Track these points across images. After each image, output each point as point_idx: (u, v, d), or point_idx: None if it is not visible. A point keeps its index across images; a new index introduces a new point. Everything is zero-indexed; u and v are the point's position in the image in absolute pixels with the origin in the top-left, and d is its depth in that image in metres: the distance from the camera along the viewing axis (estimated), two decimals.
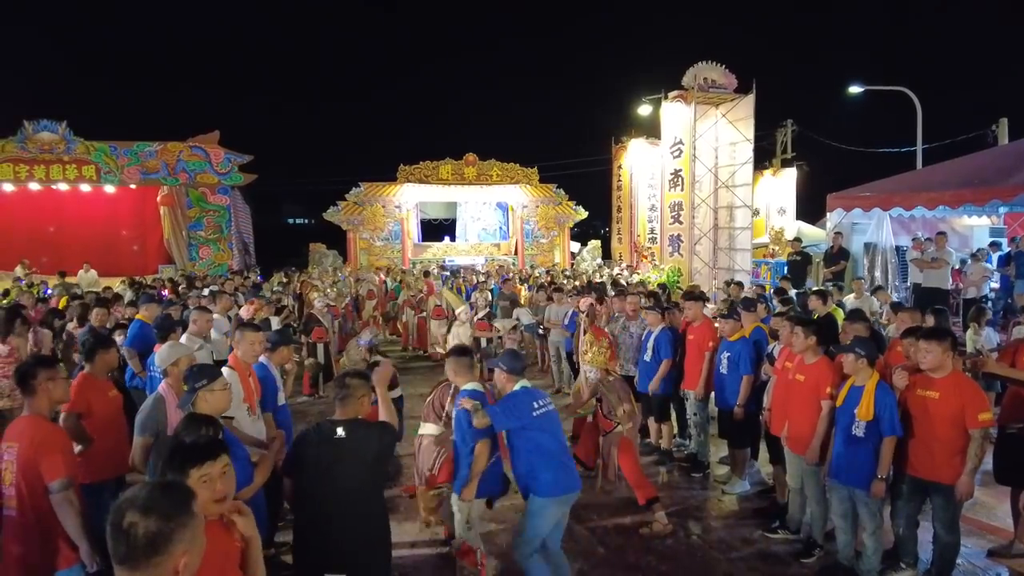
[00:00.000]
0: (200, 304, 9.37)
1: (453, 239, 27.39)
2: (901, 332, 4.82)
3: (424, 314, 12.99)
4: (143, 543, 1.64)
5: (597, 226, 43.47)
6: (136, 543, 1.64)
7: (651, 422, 7.08)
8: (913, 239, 11.65)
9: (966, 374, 4.66)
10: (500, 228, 27.13)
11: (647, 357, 6.80)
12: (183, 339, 5.81)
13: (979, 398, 4.13)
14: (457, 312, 9.11)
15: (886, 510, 4.57)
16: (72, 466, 3.44)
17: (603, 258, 23.92)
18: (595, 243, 24.41)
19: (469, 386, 4.35)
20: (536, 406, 4.09)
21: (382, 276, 17.27)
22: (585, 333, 6.49)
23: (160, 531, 1.67)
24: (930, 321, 6.14)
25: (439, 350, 12.41)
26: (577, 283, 14.07)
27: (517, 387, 4.20)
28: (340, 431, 3.28)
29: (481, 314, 11.30)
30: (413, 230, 25.35)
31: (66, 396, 3.76)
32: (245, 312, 9.00)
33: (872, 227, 12.18)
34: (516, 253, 24.95)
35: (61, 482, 3.25)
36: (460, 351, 4.65)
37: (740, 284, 11.98)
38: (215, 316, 7.63)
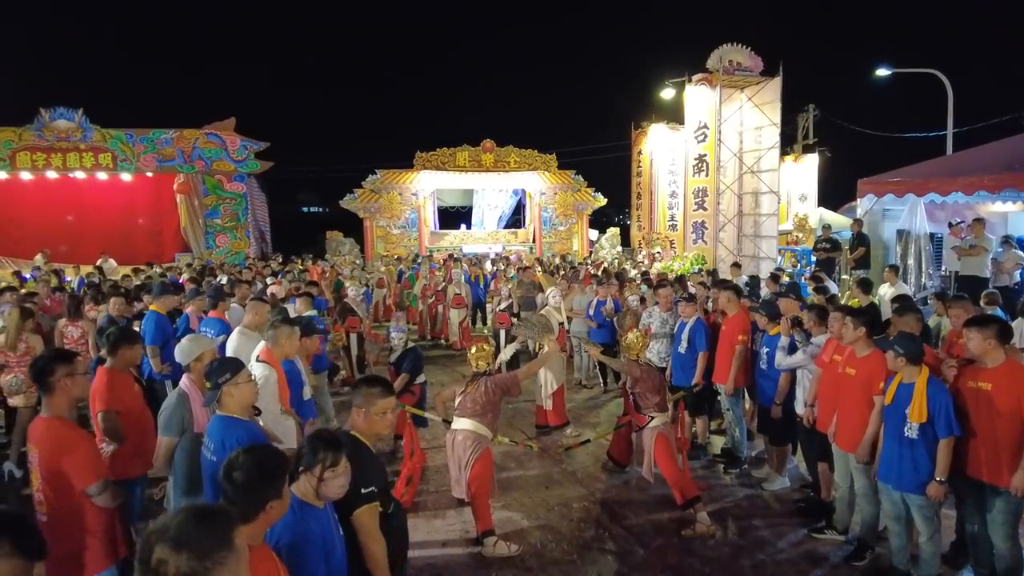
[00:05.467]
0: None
1: (470, 227, 27.17)
2: (962, 324, 4.51)
3: (444, 303, 12.76)
4: None
5: (611, 213, 43.03)
6: None
7: (684, 416, 6.84)
8: (950, 225, 11.28)
9: None
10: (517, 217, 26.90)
11: (681, 349, 6.56)
12: (236, 333, 5.65)
13: None
14: (547, 294, 8.63)
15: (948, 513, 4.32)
16: (101, 466, 3.31)
17: (622, 246, 23.59)
18: (614, 231, 24.04)
19: None
20: None
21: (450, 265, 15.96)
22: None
23: (197, 569, 1.43)
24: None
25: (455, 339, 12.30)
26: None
27: None
28: None
29: (503, 305, 11.07)
30: (430, 218, 25.13)
31: (86, 393, 3.54)
32: (276, 289, 8.93)
33: (905, 213, 11.79)
34: (534, 241, 24.68)
35: (97, 485, 3.14)
36: None
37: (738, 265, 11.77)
38: (232, 304, 7.51)
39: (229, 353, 5.33)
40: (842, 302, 7.55)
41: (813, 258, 13.20)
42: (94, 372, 4.51)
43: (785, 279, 10.15)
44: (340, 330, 9.16)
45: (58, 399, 3.26)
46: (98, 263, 16.53)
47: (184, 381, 4.03)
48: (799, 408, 5.46)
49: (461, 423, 4.81)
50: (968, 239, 10.37)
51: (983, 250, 10.10)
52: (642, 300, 8.81)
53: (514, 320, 10.43)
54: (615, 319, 8.81)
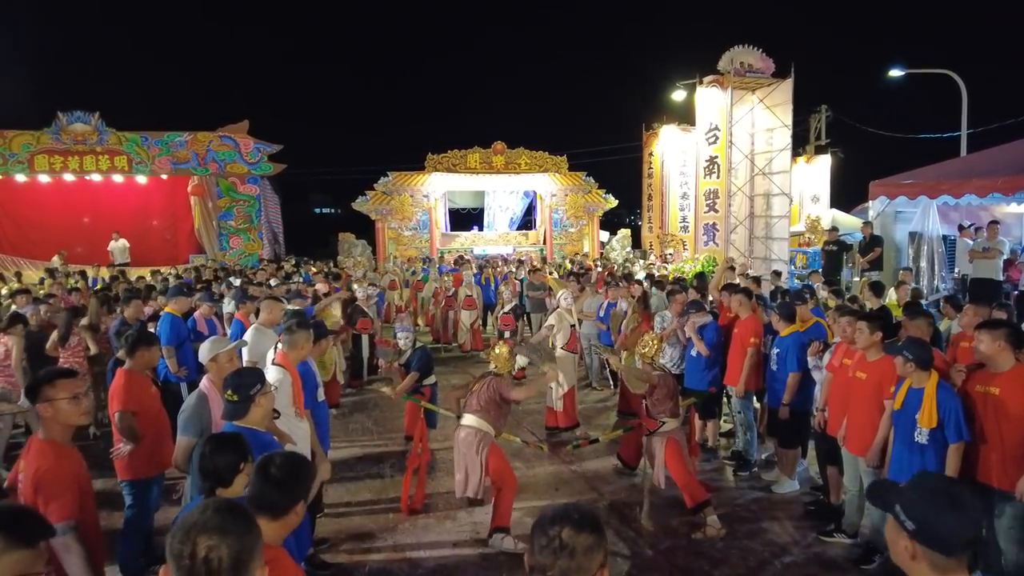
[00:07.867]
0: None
1: (481, 228, 27.24)
2: (974, 327, 4.51)
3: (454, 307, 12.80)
4: (228, 565, 1.56)
5: (622, 214, 42.97)
6: (221, 567, 1.55)
7: (695, 419, 6.86)
8: (960, 227, 11.22)
9: None
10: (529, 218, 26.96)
11: (693, 352, 6.58)
12: (252, 330, 5.93)
13: None
14: (557, 297, 8.72)
15: None
16: (75, 507, 3.04)
17: (633, 247, 23.57)
18: (625, 232, 24.01)
19: None
20: None
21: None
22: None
23: (244, 548, 1.59)
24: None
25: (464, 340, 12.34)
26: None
27: None
28: None
29: (507, 308, 11.11)
30: (441, 219, 25.21)
31: (71, 418, 3.20)
32: (321, 287, 9.32)
33: (917, 215, 11.75)
34: (544, 242, 24.71)
35: (63, 526, 2.94)
36: None
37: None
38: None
39: (246, 349, 5.53)
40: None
41: (820, 260, 13.19)
42: (112, 374, 4.61)
43: (792, 280, 10.17)
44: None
45: (45, 421, 3.14)
46: (109, 247, 16.89)
47: (204, 382, 4.07)
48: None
49: (466, 419, 4.95)
50: (980, 241, 10.32)
51: (997, 252, 10.05)
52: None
53: (519, 323, 10.54)
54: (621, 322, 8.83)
